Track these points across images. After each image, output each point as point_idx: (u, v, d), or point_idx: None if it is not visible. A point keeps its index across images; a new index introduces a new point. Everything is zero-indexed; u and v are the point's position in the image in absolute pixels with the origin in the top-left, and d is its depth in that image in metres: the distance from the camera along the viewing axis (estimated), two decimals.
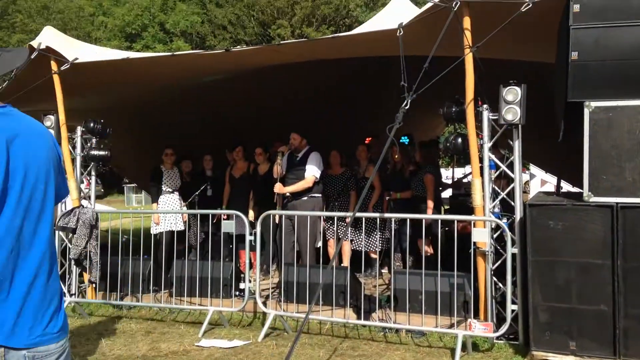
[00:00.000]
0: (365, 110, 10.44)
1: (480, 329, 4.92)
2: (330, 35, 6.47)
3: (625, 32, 4.49)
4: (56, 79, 6.57)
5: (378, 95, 9.76)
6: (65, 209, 6.79)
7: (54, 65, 6.52)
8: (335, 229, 7.57)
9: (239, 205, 7.59)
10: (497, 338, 5.10)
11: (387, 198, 7.77)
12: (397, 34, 5.32)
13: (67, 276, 6.82)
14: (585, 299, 4.49)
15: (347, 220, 7.21)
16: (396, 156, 7.69)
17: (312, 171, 7.05)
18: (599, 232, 4.48)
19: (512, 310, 5.00)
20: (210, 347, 5.25)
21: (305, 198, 7.06)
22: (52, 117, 6.76)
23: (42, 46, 6.41)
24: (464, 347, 4.90)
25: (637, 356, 4.34)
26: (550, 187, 13.79)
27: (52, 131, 6.75)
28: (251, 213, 7.73)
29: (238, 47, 6.88)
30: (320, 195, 7.25)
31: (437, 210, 7.45)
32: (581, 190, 4.70)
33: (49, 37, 6.56)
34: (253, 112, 9.63)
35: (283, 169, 7.20)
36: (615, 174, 4.49)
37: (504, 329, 4.95)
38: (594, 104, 4.54)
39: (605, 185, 4.51)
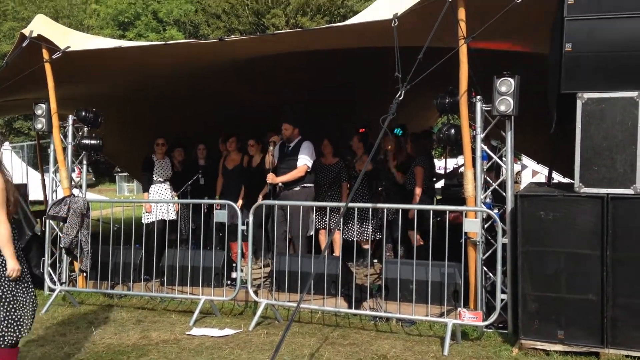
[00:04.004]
0: (360, 100, 10.42)
1: (469, 317, 4.96)
2: (324, 26, 6.42)
3: (619, 24, 4.51)
4: (48, 67, 6.52)
5: (373, 85, 9.73)
6: (56, 198, 6.77)
7: (45, 54, 6.47)
8: (327, 219, 7.58)
9: (232, 197, 7.59)
10: (487, 327, 5.14)
11: (380, 188, 7.76)
12: (392, 25, 5.31)
13: (58, 265, 6.81)
14: (574, 288, 4.53)
15: (342, 210, 7.21)
16: (389, 147, 7.68)
17: (304, 160, 7.03)
18: (589, 223, 4.51)
19: (502, 300, 5.03)
20: (202, 336, 5.25)
21: (298, 188, 7.04)
22: (43, 106, 6.73)
23: (34, 34, 6.36)
24: (453, 336, 4.93)
25: (624, 345, 4.39)
26: (542, 178, 13.84)
27: (43, 120, 6.72)
28: (240, 202, 7.72)
29: (232, 36, 6.84)
30: (312, 185, 7.24)
31: (429, 200, 7.47)
32: (572, 181, 4.73)
33: (41, 25, 6.50)
34: (247, 102, 9.60)
35: (275, 159, 7.18)
36: (606, 165, 4.51)
37: (493, 318, 4.98)
38: (586, 95, 4.56)
39: (596, 177, 4.53)
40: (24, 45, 6.35)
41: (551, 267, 4.60)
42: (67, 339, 5.21)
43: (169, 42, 6.88)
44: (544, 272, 4.62)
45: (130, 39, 31.13)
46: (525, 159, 16.47)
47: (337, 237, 7.48)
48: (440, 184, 9.69)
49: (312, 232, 7.18)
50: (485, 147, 5.35)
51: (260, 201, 6.65)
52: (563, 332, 4.56)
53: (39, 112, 6.74)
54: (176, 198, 8.01)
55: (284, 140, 7.21)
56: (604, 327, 4.43)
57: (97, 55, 6.63)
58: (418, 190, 7.08)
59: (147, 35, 34.86)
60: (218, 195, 8.16)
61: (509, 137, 5.21)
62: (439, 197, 9.48)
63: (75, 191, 6.92)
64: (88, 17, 36.83)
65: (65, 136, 6.91)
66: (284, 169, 7.08)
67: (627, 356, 4.39)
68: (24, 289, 3.88)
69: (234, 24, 34.50)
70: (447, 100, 5.43)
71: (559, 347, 4.57)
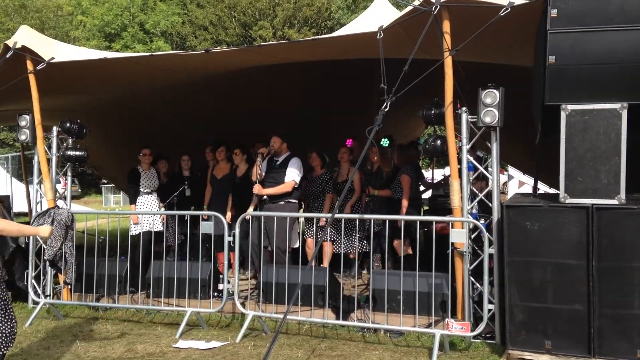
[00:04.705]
0: (347, 112, 10.46)
1: (457, 328, 4.96)
2: (311, 38, 6.46)
3: (601, 37, 4.57)
4: (32, 78, 6.48)
5: (360, 97, 9.79)
6: (41, 210, 6.70)
7: (29, 65, 6.43)
8: (314, 230, 7.57)
9: (220, 206, 7.56)
10: (474, 337, 5.14)
11: (367, 199, 7.79)
12: (378, 37, 5.35)
13: (42, 277, 6.72)
14: (560, 298, 4.55)
15: (322, 222, 7.20)
16: (375, 158, 7.72)
17: (293, 176, 7.02)
18: (574, 233, 4.54)
19: (489, 310, 5.05)
20: (188, 349, 5.21)
21: (282, 203, 7.01)
22: (27, 117, 6.68)
23: (18, 45, 6.33)
24: (441, 347, 4.93)
25: (610, 354, 4.40)
26: (528, 189, 13.94)
27: (27, 131, 6.67)
28: (229, 214, 7.68)
29: (219, 48, 6.84)
30: (297, 201, 7.24)
31: (416, 210, 7.49)
32: (558, 192, 4.76)
33: (25, 36, 6.47)
34: (233, 113, 9.59)
35: (262, 172, 7.18)
36: (590, 176, 4.55)
37: (480, 328, 4.99)
38: (570, 107, 4.61)
39: (581, 187, 4.57)
40: (7, 56, 6.31)
41: (537, 277, 4.62)
42: (51, 352, 5.14)
43: (155, 54, 6.87)
44: (531, 282, 4.64)
45: (117, 51, 31.06)
46: (512, 170, 16.60)
47: (326, 248, 7.46)
48: (427, 195, 9.73)
49: (297, 245, 7.16)
50: (471, 158, 5.39)
51: (248, 212, 6.62)
52: (550, 342, 4.57)
53: (23, 123, 6.69)
54: (163, 209, 7.95)
55: (271, 153, 7.20)
56: (591, 337, 4.45)
57: (82, 67, 6.61)
58: (405, 202, 7.10)
59: (133, 47, 34.74)
60: (206, 205, 8.12)
61: (495, 148, 5.25)
62: (426, 208, 9.52)
63: (60, 202, 6.85)
64: (74, 28, 36.65)
65: (49, 147, 6.86)
66: (271, 182, 7.07)
67: None
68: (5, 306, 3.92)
69: (221, 36, 34.55)
70: (432, 112, 5.47)
71: (546, 357, 4.58)
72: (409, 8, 5.24)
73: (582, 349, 4.49)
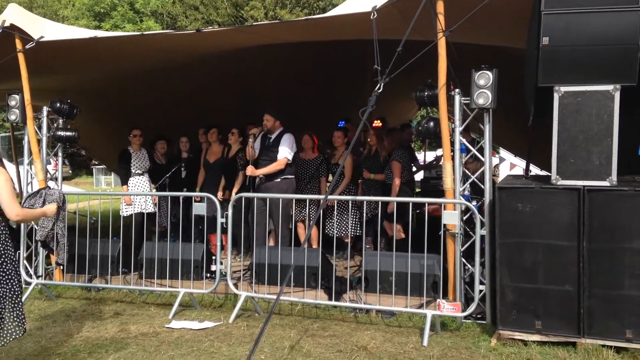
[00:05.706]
0: (340, 93, 10.42)
1: (448, 308, 5.01)
2: (303, 18, 6.40)
3: (595, 18, 4.55)
4: (21, 57, 6.39)
5: (353, 78, 9.74)
6: (31, 190, 6.66)
7: (18, 44, 6.34)
8: (307, 212, 7.58)
9: (214, 190, 7.55)
10: (465, 318, 5.20)
11: (360, 181, 7.80)
12: (371, 17, 5.30)
13: (34, 258, 6.71)
14: (551, 279, 4.60)
15: (321, 203, 7.21)
16: (369, 139, 7.71)
17: (285, 153, 7.02)
18: (565, 215, 4.57)
19: (480, 291, 5.10)
20: (181, 329, 5.23)
21: (279, 180, 7.03)
22: (17, 97, 6.61)
23: (7, 24, 6.23)
24: (432, 327, 4.97)
25: (600, 334, 4.47)
26: (520, 171, 13.98)
27: (17, 111, 6.60)
28: (219, 194, 7.68)
29: (210, 28, 6.76)
30: (293, 176, 7.24)
31: (410, 192, 7.52)
32: (549, 174, 4.79)
33: (14, 15, 6.36)
34: (226, 94, 9.53)
35: (256, 151, 7.16)
36: (582, 158, 4.58)
37: (471, 308, 5.05)
38: (563, 88, 4.61)
39: (573, 169, 4.60)
40: None
41: (529, 259, 4.66)
42: (44, 332, 5.14)
43: (145, 33, 6.79)
44: (522, 263, 4.68)
45: (107, 30, 30.64)
46: (503, 152, 16.64)
47: (314, 232, 7.47)
48: (419, 176, 9.74)
49: (290, 226, 7.18)
50: (463, 140, 5.39)
51: (239, 194, 6.61)
52: (540, 322, 4.62)
53: (13, 103, 6.62)
54: (154, 191, 7.93)
55: (264, 131, 7.18)
56: (581, 317, 4.51)
57: (72, 46, 6.52)
58: (397, 181, 7.13)
59: (123, 26, 34.32)
60: (198, 188, 8.10)
61: (487, 129, 5.25)
62: (418, 190, 9.54)
63: (51, 183, 6.81)
64: (63, 7, 36.10)
65: (39, 128, 6.80)
66: (265, 160, 7.07)
67: (603, 345, 4.46)
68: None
69: (212, 16, 34.14)
70: (426, 94, 5.46)
71: (536, 337, 4.64)
72: None
73: (572, 329, 4.55)
